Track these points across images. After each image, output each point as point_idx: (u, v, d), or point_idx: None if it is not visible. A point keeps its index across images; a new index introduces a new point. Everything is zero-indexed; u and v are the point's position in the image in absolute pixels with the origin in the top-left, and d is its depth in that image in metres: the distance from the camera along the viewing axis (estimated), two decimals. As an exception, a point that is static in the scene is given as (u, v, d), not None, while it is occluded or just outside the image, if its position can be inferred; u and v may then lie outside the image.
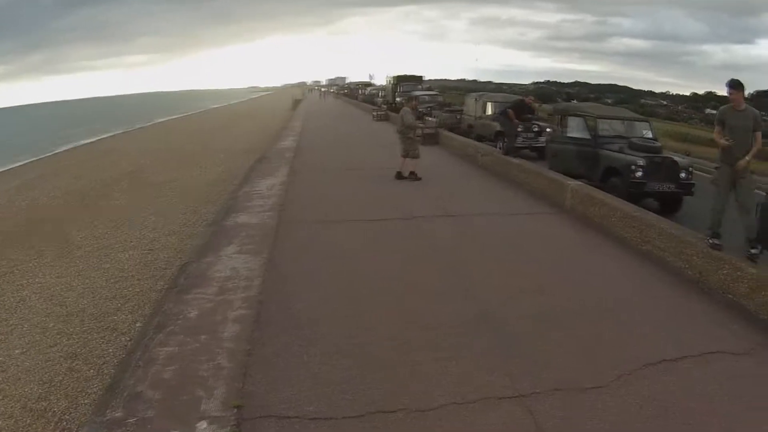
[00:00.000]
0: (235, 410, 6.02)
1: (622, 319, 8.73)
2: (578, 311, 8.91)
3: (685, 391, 6.75)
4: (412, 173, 19.79)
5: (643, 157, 16.98)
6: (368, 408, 6.06)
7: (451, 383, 6.62)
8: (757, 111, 9.60)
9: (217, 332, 7.88)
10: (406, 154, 19.87)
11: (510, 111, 22.08)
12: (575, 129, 20.29)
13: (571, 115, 21.09)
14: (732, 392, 6.80)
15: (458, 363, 7.13)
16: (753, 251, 9.46)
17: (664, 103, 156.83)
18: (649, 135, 19.62)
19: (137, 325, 10.70)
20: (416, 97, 26.18)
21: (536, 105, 23.88)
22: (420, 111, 24.14)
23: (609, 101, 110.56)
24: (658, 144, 18.96)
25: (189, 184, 25.17)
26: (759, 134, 9.47)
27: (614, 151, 17.96)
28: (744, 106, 9.94)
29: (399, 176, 19.79)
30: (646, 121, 21.27)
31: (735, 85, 10.11)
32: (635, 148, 17.72)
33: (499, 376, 6.84)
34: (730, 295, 9.60)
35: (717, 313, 9.20)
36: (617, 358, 7.44)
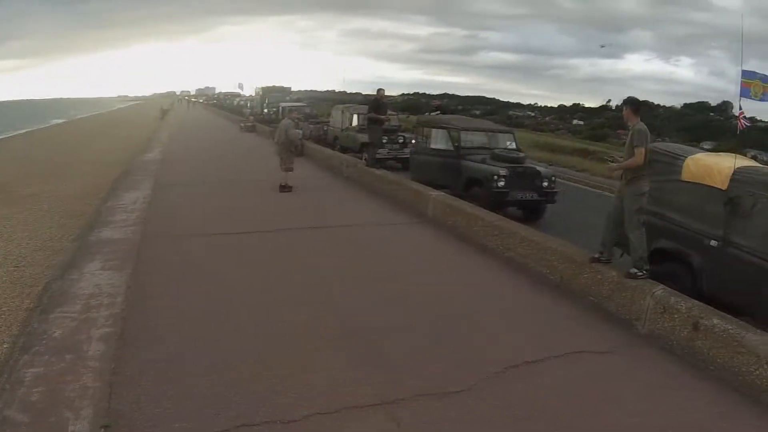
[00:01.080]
0: (103, 430, 5.97)
1: (485, 325, 9.01)
2: (440, 317, 9.14)
3: (549, 390, 7.04)
4: (284, 185, 19.80)
5: (505, 167, 17.44)
6: (234, 422, 6.08)
7: (315, 394, 6.69)
8: (640, 126, 9.73)
9: (82, 351, 7.74)
10: (285, 166, 19.92)
11: (372, 114, 22.36)
12: (439, 141, 20.70)
13: (435, 127, 21.52)
14: (596, 389, 7.17)
15: (322, 374, 7.22)
16: (632, 271, 9.61)
17: (532, 114, 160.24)
18: (513, 146, 20.22)
19: (5, 346, 10.51)
20: (297, 109, 26.34)
21: (386, 99, 24.02)
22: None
23: (477, 113, 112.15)
24: (521, 154, 19.59)
25: (56, 198, 24.43)
26: (640, 149, 9.64)
27: (477, 162, 18.40)
28: (632, 123, 9.90)
29: (283, 188, 19.77)
30: (510, 132, 21.97)
31: (624, 103, 10.27)
32: (498, 158, 18.24)
33: (362, 385, 6.94)
34: (592, 298, 10.03)
35: (580, 315, 9.62)
36: (481, 361, 7.65)
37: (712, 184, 10.26)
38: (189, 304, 9.48)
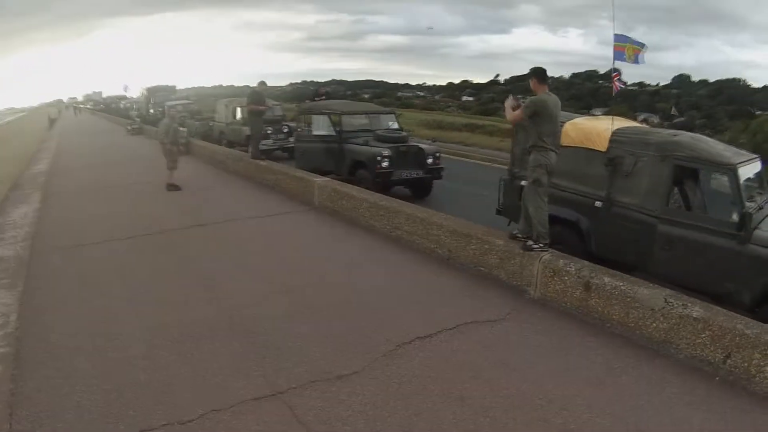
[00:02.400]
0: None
1: (375, 306, 9.01)
2: (328, 304, 9.09)
3: (441, 364, 7.10)
4: (171, 184, 19.56)
5: (389, 147, 17.47)
6: (132, 429, 6.00)
7: (208, 391, 6.64)
8: (536, 96, 9.45)
9: None
10: (169, 165, 19.69)
11: (250, 105, 22.08)
12: (321, 126, 20.67)
13: (315, 114, 21.53)
14: (488, 358, 7.25)
15: (213, 371, 7.14)
16: (529, 243, 9.56)
17: (421, 94, 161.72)
18: (395, 126, 20.25)
19: None
20: (174, 107, 26.03)
21: (265, 89, 23.88)
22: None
23: (366, 96, 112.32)
24: (404, 134, 19.63)
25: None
26: (520, 110, 9.59)
27: (359, 145, 18.47)
28: (540, 92, 9.64)
29: (170, 188, 19.51)
30: (392, 113, 22.07)
31: (529, 73, 9.94)
32: (380, 139, 18.29)
33: (254, 378, 6.92)
34: (481, 268, 10.13)
35: (471, 286, 9.71)
36: (371, 342, 7.67)
37: (592, 147, 10.51)
38: (83, 315, 9.22)
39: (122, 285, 10.53)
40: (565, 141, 10.61)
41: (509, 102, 10.03)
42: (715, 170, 9.77)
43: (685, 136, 10.22)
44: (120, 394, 6.70)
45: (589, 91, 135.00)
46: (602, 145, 10.36)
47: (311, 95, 31.04)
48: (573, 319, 8.40)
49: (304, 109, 24.08)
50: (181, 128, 25.42)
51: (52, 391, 6.89)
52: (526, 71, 10.18)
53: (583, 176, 10.62)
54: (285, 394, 6.54)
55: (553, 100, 9.55)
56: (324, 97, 28.42)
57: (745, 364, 6.70)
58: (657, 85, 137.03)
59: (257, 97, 21.69)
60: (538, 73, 9.69)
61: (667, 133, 10.46)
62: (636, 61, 10.72)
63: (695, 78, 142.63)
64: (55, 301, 9.84)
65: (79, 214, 16.81)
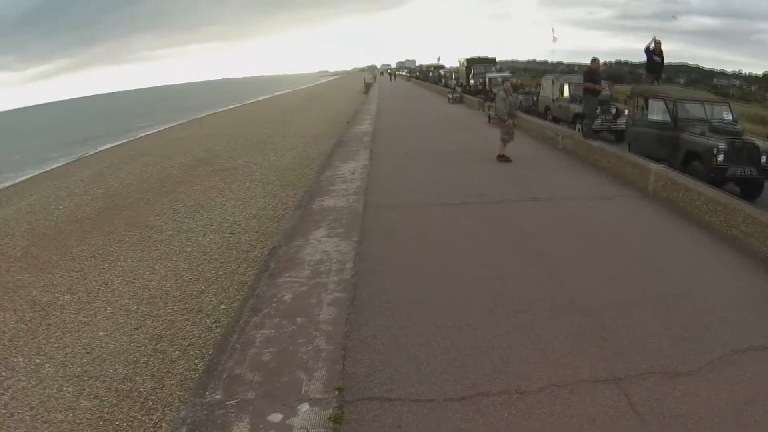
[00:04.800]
0: (337, 392, 6.11)
1: (709, 305, 8.66)
2: (664, 297, 8.89)
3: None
4: (502, 156, 19.82)
5: (725, 140, 16.70)
6: (470, 390, 6.13)
7: (548, 366, 6.71)
8: None
9: (313, 315, 7.97)
10: (504, 137, 19.97)
11: (587, 84, 21.76)
12: (655, 112, 19.99)
13: (651, 98, 20.75)
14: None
15: (553, 346, 7.20)
16: None
17: (737, 83, 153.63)
18: (729, 118, 19.28)
19: (222, 306, 10.83)
20: (508, 79, 26.33)
21: (601, 67, 23.39)
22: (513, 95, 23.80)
23: (681, 81, 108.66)
24: (738, 127, 18.65)
25: (265, 169, 25.25)
26: None
27: (695, 135, 17.69)
28: None
29: (501, 159, 19.84)
30: (726, 103, 20.86)
31: None
32: (716, 131, 17.43)
33: (594, 360, 6.92)
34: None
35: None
36: (707, 343, 7.44)
37: None
38: (416, 272, 9.60)
39: (454, 249, 10.82)
40: None
41: None
42: None
43: None
44: (459, 354, 6.91)
45: None
46: None
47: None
48: None
49: (637, 91, 23.43)
50: (517, 99, 25.59)
51: (388, 340, 7.22)
52: None
53: None
54: (623, 381, 6.49)
55: None
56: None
57: None
58: None
59: (593, 75, 21.38)
60: None
61: None
62: None
63: None
64: (390, 256, 10.30)
65: (406, 175, 17.42)
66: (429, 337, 7.27)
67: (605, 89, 27.83)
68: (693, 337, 7.59)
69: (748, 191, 17.22)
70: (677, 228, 12.61)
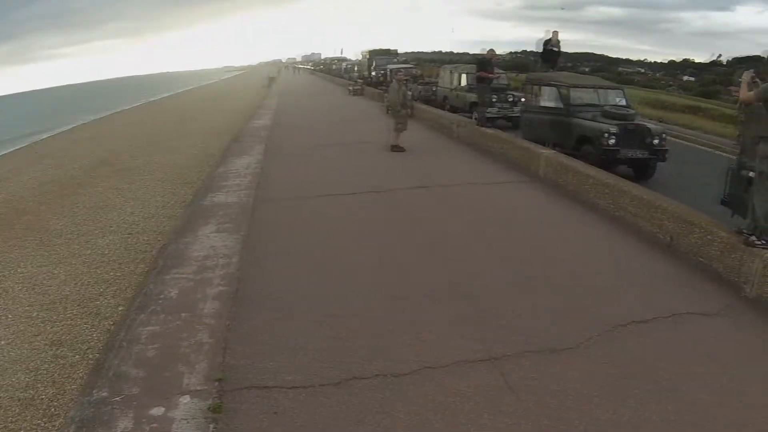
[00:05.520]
0: (217, 383, 6.21)
1: (592, 283, 9.06)
2: (547, 277, 9.23)
3: (654, 351, 7.07)
4: (396, 146, 20.09)
5: (616, 124, 17.15)
6: (344, 375, 6.33)
7: (424, 349, 6.93)
8: None
9: (197, 310, 8.06)
10: (397, 127, 20.23)
11: (481, 73, 22.33)
12: (548, 98, 20.45)
13: (544, 85, 21.23)
14: (700, 352, 7.11)
15: (431, 329, 7.41)
16: (752, 239, 9.09)
17: (642, 70, 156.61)
18: (623, 102, 19.80)
19: (120, 308, 10.78)
20: (403, 71, 26.56)
21: (494, 58, 23.92)
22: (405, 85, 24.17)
23: (586, 69, 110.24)
24: (631, 111, 19.13)
25: (165, 168, 25.05)
26: (754, 90, 9.10)
27: (587, 120, 18.16)
28: None
29: (395, 149, 20.10)
30: (619, 89, 21.41)
31: None
32: (608, 115, 17.89)
33: (471, 341, 7.13)
34: (701, 258, 9.86)
35: (688, 276, 9.51)
36: (587, 320, 7.75)
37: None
38: (301, 263, 9.73)
39: (345, 238, 11.06)
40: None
41: (746, 76, 9.42)
42: None
43: None
44: (336, 341, 7.07)
45: None
46: None
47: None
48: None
49: (532, 79, 23.89)
50: (407, 90, 25.87)
51: (268, 331, 7.34)
52: (749, 53, 9.55)
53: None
54: (500, 360, 6.70)
55: None
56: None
57: None
58: None
59: (486, 64, 21.79)
60: None
61: None
62: None
63: None
64: (276, 249, 10.44)
65: (300, 167, 17.66)
66: (309, 327, 7.40)
67: (501, 78, 28.36)
68: (575, 314, 7.89)
69: (641, 172, 17.81)
70: (565, 210, 13.03)
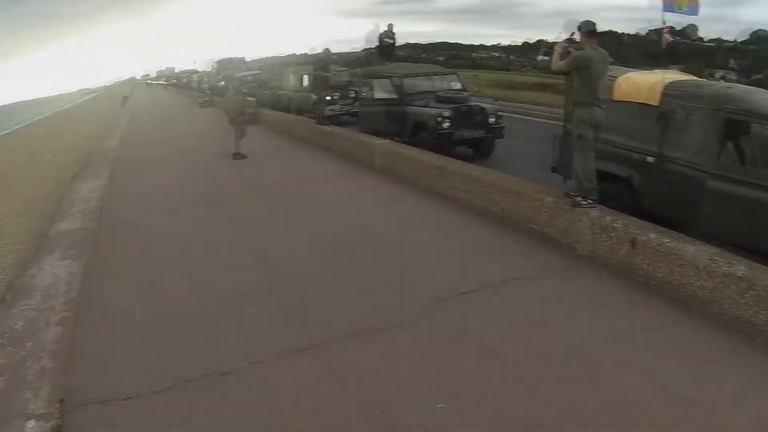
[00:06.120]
0: (59, 404, 6.28)
1: (421, 261, 9.46)
2: (375, 259, 9.69)
3: (481, 319, 7.43)
4: (237, 153, 20.14)
5: (449, 108, 17.61)
6: (175, 380, 6.48)
7: (250, 346, 7.12)
8: (581, 52, 9.58)
9: (41, 338, 7.96)
10: (236, 135, 20.30)
11: (317, 72, 22.90)
12: (382, 90, 20.79)
13: (377, 77, 21.62)
14: (526, 314, 7.56)
15: (256, 327, 7.63)
16: (577, 199, 9.64)
17: (497, 54, 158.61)
18: (458, 86, 20.34)
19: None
20: (236, 79, 26.58)
21: (330, 55, 24.35)
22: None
23: (441, 59, 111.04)
24: (465, 94, 19.70)
25: (17, 202, 24.28)
26: (564, 61, 9.71)
27: (420, 107, 18.62)
28: (588, 47, 9.66)
29: (236, 156, 20.12)
30: (454, 74, 22.02)
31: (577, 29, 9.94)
32: (441, 100, 18.47)
33: (295, 332, 7.40)
34: (533, 225, 10.40)
35: (521, 243, 10.10)
36: (412, 297, 8.10)
37: (644, 102, 10.35)
38: (140, 280, 9.75)
39: (178, 250, 11.16)
40: (617, 96, 10.61)
41: (558, 47, 10.04)
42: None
43: (737, 88, 10.10)
44: (168, 349, 7.21)
45: (667, 48, 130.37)
46: (654, 100, 10.10)
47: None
48: (618, 276, 8.50)
49: (366, 73, 24.26)
50: (249, 98, 25.92)
51: (107, 348, 7.42)
52: (600, 30, 9.97)
53: (636, 131, 10.45)
54: (322, 346, 6.95)
55: (600, 55, 9.54)
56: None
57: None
58: (734, 41, 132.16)
59: (321, 63, 22.11)
60: (585, 27, 9.67)
61: (720, 86, 10.38)
62: (688, 12, 10.43)
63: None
64: (116, 270, 10.39)
65: (146, 185, 17.57)
66: (141, 340, 7.50)
67: (341, 75, 28.66)
68: (400, 293, 8.22)
69: (480, 151, 18.42)
70: (400, 196, 13.51)
